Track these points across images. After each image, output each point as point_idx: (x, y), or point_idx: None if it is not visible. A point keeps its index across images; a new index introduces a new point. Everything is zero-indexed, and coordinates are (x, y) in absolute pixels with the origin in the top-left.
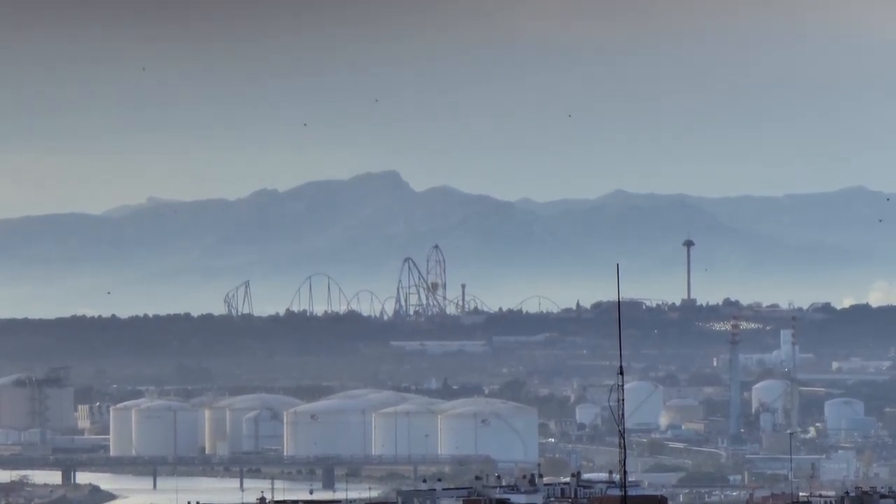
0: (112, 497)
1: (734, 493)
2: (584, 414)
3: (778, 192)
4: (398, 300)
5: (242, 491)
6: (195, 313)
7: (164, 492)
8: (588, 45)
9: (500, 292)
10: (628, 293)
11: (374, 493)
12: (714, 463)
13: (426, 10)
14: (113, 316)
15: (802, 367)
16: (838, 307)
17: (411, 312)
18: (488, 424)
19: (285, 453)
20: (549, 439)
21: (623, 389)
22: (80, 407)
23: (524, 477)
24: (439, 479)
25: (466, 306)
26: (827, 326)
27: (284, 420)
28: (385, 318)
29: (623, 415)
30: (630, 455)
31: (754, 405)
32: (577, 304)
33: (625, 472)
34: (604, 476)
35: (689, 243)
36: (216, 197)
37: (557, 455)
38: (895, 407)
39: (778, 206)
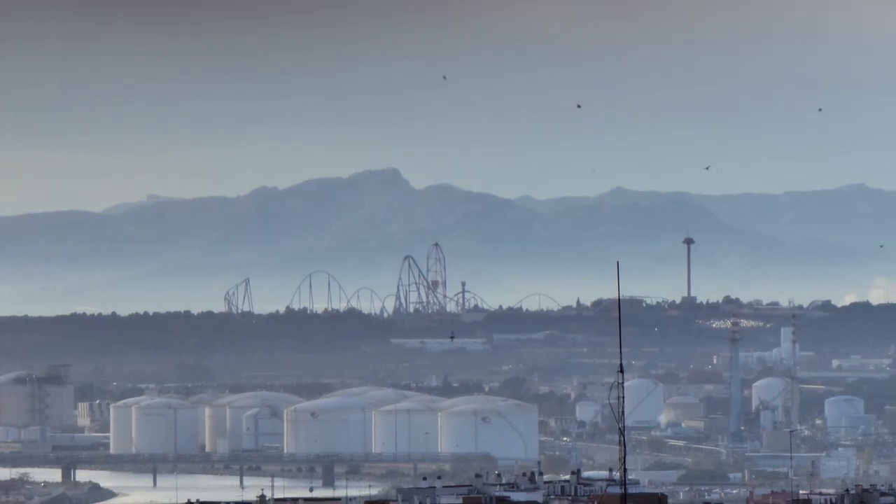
0: (112, 495)
1: (734, 491)
2: (585, 411)
3: (778, 189)
4: (398, 298)
5: (242, 489)
6: (195, 311)
7: (164, 489)
8: (588, 44)
9: (501, 290)
10: (628, 291)
11: (374, 491)
12: (714, 461)
13: (426, 7)
14: (113, 313)
15: (803, 364)
16: (839, 305)
17: (411, 310)
18: (488, 422)
19: (285, 451)
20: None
21: (623, 387)
22: (80, 404)
23: (524, 475)
24: (439, 477)
25: (466, 304)
26: (827, 324)
27: (284, 418)
28: (385, 315)
29: (623, 412)
30: (630, 453)
31: (754, 403)
32: (578, 302)
33: (625, 469)
34: (604, 474)
35: (689, 241)
36: (216, 194)
37: (557, 453)
38: (895, 405)
39: (778, 203)
